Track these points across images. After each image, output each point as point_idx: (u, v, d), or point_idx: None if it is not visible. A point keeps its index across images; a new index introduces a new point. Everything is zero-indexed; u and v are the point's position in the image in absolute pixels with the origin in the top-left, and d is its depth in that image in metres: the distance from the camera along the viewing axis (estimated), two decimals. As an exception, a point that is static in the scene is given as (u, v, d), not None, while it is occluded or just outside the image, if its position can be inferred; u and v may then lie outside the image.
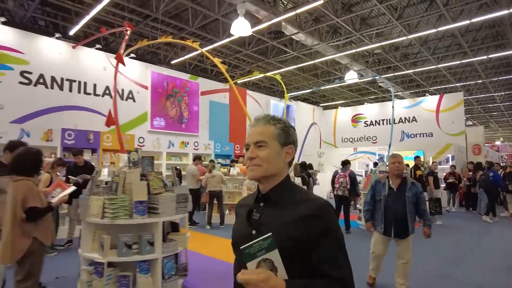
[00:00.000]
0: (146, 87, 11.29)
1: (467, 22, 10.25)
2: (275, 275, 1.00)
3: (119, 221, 3.58)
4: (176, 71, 12.90)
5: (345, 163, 8.18)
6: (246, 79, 15.68)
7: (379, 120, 18.12)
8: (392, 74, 16.29)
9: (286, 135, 1.25)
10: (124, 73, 10.63)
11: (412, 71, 15.83)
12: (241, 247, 1.02)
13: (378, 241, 4.22)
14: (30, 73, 8.90)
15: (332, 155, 16.81)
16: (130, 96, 10.93)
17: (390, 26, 11.36)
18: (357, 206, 9.07)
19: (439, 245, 6.53)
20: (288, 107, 16.92)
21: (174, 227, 4.21)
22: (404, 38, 11.92)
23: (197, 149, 12.08)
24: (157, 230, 3.76)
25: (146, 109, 11.25)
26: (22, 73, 8.76)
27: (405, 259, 4.02)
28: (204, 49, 9.39)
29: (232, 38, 11.16)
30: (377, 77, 15.46)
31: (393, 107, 11.20)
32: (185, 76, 12.85)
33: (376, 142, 17.71)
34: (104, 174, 6.48)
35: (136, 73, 11.20)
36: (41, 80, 9.09)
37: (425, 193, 9.31)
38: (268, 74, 12.82)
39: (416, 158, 9.70)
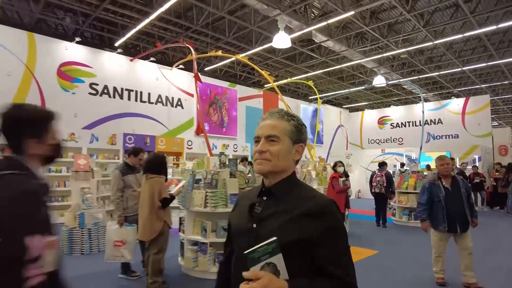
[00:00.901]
0: (192, 95, 12.36)
1: (493, 27, 10.47)
2: (277, 278, 1.00)
3: (219, 210, 4.55)
4: (215, 79, 13.93)
5: (382, 164, 8.99)
6: (281, 83, 16.56)
7: (405, 122, 18.66)
8: (416, 77, 16.78)
9: (299, 132, 1.22)
10: (174, 83, 11.73)
11: (437, 73, 16.25)
12: (244, 252, 1.02)
13: (441, 240, 4.38)
14: (97, 84, 10.11)
15: (360, 156, 17.47)
16: (179, 103, 12.03)
17: (417, 32, 11.85)
18: (392, 203, 9.80)
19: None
20: (316, 110, 17.72)
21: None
22: (430, 43, 12.39)
23: (236, 150, 13.07)
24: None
25: (192, 115, 12.33)
26: (91, 85, 9.97)
27: (470, 249, 4.26)
28: (237, 56, 10.29)
29: (264, 46, 11.98)
30: (404, 82, 16.03)
31: (423, 112, 11.87)
32: (225, 84, 13.87)
33: (403, 143, 18.27)
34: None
35: (184, 82, 12.30)
36: (105, 91, 10.28)
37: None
38: (304, 81, 13.60)
39: (447, 159, 10.33)
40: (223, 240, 2.89)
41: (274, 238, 1.01)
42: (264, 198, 1.20)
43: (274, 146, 1.16)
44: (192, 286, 4.37)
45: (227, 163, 4.98)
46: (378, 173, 8.84)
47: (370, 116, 20.43)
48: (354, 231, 7.76)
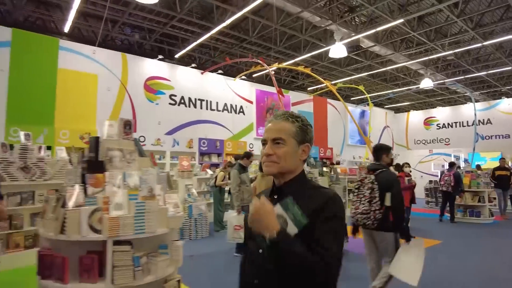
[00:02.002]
0: (251, 102, 13.60)
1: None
2: (275, 218, 1.11)
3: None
4: (263, 84, 15.04)
5: (452, 165, 9.73)
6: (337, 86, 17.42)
7: (452, 123, 18.88)
8: (462, 77, 16.79)
9: (304, 133, 1.26)
10: (236, 92, 13.03)
11: (484, 73, 16.17)
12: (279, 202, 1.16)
13: None
14: (175, 95, 11.59)
15: (407, 156, 17.94)
16: (241, 110, 13.30)
17: (464, 35, 12.04)
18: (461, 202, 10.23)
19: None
20: (363, 112, 18.41)
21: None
22: (479, 45, 12.45)
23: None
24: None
25: (252, 121, 13.57)
26: (170, 96, 11.46)
27: None
28: (285, 64, 11.18)
29: (313, 53, 12.75)
30: (450, 83, 16.33)
31: (475, 114, 12.30)
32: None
33: (449, 144, 18.51)
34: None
35: (245, 91, 13.57)
36: (182, 101, 11.74)
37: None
38: (355, 86, 14.37)
39: (501, 159, 10.82)
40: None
41: (291, 197, 1.15)
42: (275, 196, 1.27)
43: (280, 148, 1.22)
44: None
45: (314, 163, 6.05)
46: (447, 173, 9.57)
47: (416, 117, 20.77)
48: (417, 226, 8.51)
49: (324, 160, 13.94)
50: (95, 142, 3.22)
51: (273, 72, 8.30)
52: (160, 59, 11.53)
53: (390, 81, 18.35)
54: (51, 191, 4.71)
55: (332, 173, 6.12)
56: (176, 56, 12.91)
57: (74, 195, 2.89)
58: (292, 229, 1.12)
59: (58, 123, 9.25)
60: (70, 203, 2.85)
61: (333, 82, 15.48)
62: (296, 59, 13.62)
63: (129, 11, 9.71)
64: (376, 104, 21.77)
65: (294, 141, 1.24)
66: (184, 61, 13.15)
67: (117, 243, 2.76)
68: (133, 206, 2.90)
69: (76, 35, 11.07)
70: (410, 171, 8.38)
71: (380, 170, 3.55)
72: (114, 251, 2.74)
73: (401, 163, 8.89)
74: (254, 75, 15.26)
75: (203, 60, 14.59)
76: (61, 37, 10.13)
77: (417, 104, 23.28)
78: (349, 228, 4.32)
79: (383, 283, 3.46)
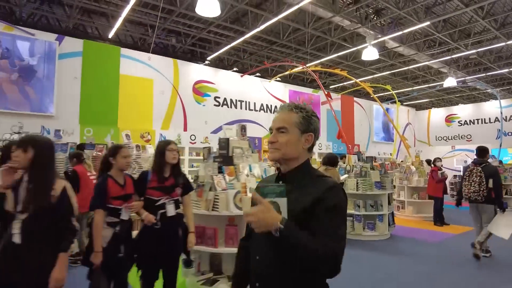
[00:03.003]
0: (284, 102, 14.50)
1: None
2: (274, 211, 1.15)
3: (368, 192, 6.55)
4: (301, 86, 15.94)
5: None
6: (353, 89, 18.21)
7: (474, 120, 19.46)
8: (484, 74, 17.16)
9: (307, 123, 1.32)
10: (271, 92, 13.95)
11: (506, 70, 16.60)
12: (258, 184, 1.26)
13: None
14: (219, 97, 12.59)
15: (429, 152, 18.62)
16: (276, 109, 14.23)
17: (488, 34, 12.43)
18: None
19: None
20: (387, 109, 19.14)
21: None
22: (503, 44, 12.87)
23: (321, 149, 15.01)
24: (385, 198, 6.67)
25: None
26: (215, 98, 12.47)
27: None
28: (312, 64, 11.85)
29: (339, 54, 13.42)
30: (471, 80, 16.90)
31: (501, 112, 12.92)
32: (309, 90, 15.88)
33: (471, 140, 19.12)
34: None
35: (279, 91, 14.50)
36: (225, 102, 12.74)
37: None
38: (382, 85, 15.11)
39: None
40: (371, 213, 5.32)
41: (283, 184, 1.21)
42: (280, 182, 1.32)
43: (282, 136, 1.29)
44: (351, 244, 6.38)
45: (366, 160, 6.96)
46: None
47: (437, 114, 21.38)
48: (451, 216, 9.24)
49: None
50: (227, 142, 4.21)
51: (317, 76, 9.14)
52: (205, 64, 12.48)
53: (410, 79, 18.90)
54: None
55: (381, 168, 6.99)
56: (208, 58, 13.79)
57: (221, 182, 3.88)
58: (285, 216, 1.16)
59: (120, 123, 10.34)
60: (218, 188, 3.84)
61: (360, 79, 16.05)
62: (322, 60, 14.29)
63: (171, 18, 10.34)
64: (395, 102, 22.35)
65: (297, 130, 1.30)
66: (214, 63, 13.99)
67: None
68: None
69: (115, 40, 11.61)
70: (442, 165, 9.17)
71: (484, 164, 5.36)
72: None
73: (431, 159, 9.69)
74: (278, 76, 15.97)
75: (231, 62, 15.30)
76: (104, 42, 11.00)
77: (436, 101, 23.79)
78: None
79: (484, 239, 5.21)
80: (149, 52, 11.23)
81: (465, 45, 13.47)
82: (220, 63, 14.01)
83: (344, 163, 12.42)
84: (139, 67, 10.95)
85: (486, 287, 4.29)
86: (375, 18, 11.82)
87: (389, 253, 5.82)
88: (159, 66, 11.32)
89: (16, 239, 2.00)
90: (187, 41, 12.69)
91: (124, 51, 10.82)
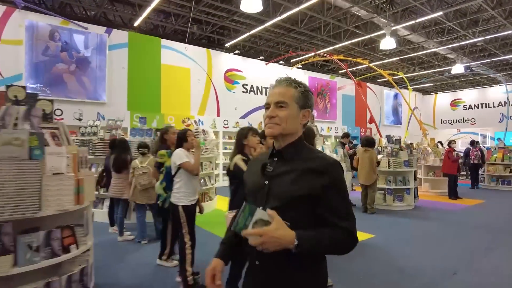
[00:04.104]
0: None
1: None
2: (285, 225, 1.09)
3: (399, 169, 7.69)
4: (319, 73, 16.85)
5: (473, 143, 11.74)
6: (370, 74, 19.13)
7: (478, 104, 20.54)
8: (489, 60, 17.93)
9: (305, 98, 1.29)
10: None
11: (511, 56, 17.43)
12: (231, 228, 1.14)
13: None
14: (247, 85, 13.56)
15: (435, 135, 19.76)
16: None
17: (497, 24, 13.12)
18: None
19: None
20: (396, 94, 20.16)
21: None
22: (510, 32, 13.51)
23: (337, 132, 16.10)
24: (411, 174, 7.82)
25: (307, 104, 15.48)
26: (243, 85, 13.44)
27: None
28: (325, 50, 12.53)
29: (350, 41, 14.19)
30: (476, 66, 17.80)
31: (507, 97, 13.92)
32: (326, 77, 16.84)
33: (475, 123, 20.26)
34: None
35: (299, 78, 15.30)
36: (252, 89, 13.72)
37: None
38: (396, 72, 16.03)
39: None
40: (400, 187, 6.57)
41: (244, 203, 1.13)
42: (275, 159, 1.31)
43: (282, 111, 1.24)
44: (385, 213, 7.55)
45: (394, 142, 8.07)
46: (473, 149, 11.54)
47: (443, 98, 22.43)
48: (460, 191, 10.47)
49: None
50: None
51: (346, 66, 10.08)
52: (235, 54, 13.36)
53: (417, 64, 19.75)
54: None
55: (407, 149, 8.10)
56: (226, 45, 14.32)
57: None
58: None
59: (163, 109, 11.35)
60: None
61: (373, 62, 16.88)
62: (336, 46, 14.89)
63: (198, 7, 10.83)
64: (403, 87, 23.33)
65: (296, 105, 1.26)
66: (230, 50, 14.46)
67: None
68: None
69: (142, 29, 12.08)
70: (455, 147, 10.31)
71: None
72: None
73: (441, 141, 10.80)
74: (292, 61, 16.34)
75: (247, 48, 15.61)
76: (129, 30, 11.48)
77: (439, 85, 24.71)
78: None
79: None
80: (184, 42, 12.10)
81: (473, 33, 14.15)
82: (234, 49, 14.59)
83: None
84: (178, 57, 11.86)
85: (506, 244, 5.46)
86: (389, 8, 12.47)
87: (417, 219, 7.00)
88: (195, 55, 12.24)
89: None
90: (207, 28, 13.48)
91: (164, 42, 11.70)
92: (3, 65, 8.83)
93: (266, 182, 1.27)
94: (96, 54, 10.31)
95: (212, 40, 14.66)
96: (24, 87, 3.04)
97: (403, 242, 5.34)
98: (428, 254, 4.67)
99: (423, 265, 4.19)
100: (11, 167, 2.50)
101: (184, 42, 11.92)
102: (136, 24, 11.60)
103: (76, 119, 9.75)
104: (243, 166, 3.00)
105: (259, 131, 3.37)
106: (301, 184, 1.20)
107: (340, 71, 18.75)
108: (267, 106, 1.29)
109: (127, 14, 11.59)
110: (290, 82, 1.29)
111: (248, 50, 15.85)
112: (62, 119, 9.34)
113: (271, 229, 1.06)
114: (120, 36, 10.80)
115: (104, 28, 10.58)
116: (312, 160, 1.24)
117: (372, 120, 9.08)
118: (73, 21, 10.02)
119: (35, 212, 2.60)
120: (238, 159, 3.12)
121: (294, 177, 1.22)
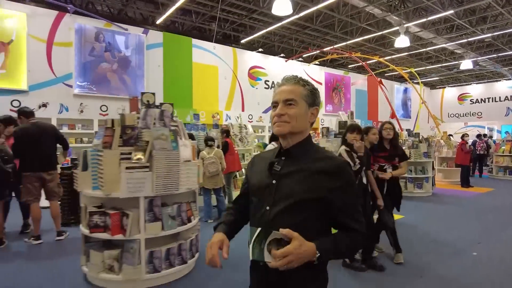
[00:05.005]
0: (321, 83, 16.30)
1: None
2: (304, 240, 1.08)
3: (418, 160, 8.57)
4: (334, 69, 17.61)
5: (480, 136, 12.61)
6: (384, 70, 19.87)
7: (485, 98, 21.31)
8: (495, 55, 18.41)
9: (314, 96, 1.28)
10: (310, 75, 15.71)
11: None
12: (251, 259, 1.15)
13: None
14: (268, 81, 14.38)
15: (443, 128, 20.55)
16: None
17: (506, 21, 13.61)
18: (488, 164, 13.31)
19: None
20: (406, 89, 20.94)
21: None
22: None
23: (351, 125, 16.94)
24: (429, 164, 8.70)
25: (321, 99, 16.31)
26: (265, 82, 14.26)
27: None
28: (337, 46, 13.17)
29: (362, 38, 14.77)
30: (483, 61, 18.48)
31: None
32: (340, 72, 17.63)
33: (481, 117, 21.05)
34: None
35: (316, 74, 16.26)
36: (273, 85, 14.51)
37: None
38: (407, 67, 16.77)
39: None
40: (420, 176, 7.58)
41: (258, 229, 1.10)
42: (283, 158, 1.28)
43: (291, 109, 1.22)
44: (406, 199, 8.42)
45: (410, 134, 8.94)
46: (479, 141, 12.45)
47: (450, 93, 23.19)
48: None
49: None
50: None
51: (366, 64, 10.87)
52: (258, 52, 14.16)
53: (425, 59, 20.38)
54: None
55: (426, 141, 8.97)
56: (243, 41, 14.71)
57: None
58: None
59: (195, 105, 12.20)
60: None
61: (383, 57, 17.66)
62: (348, 42, 15.35)
63: (221, 6, 11.16)
64: (415, 82, 24.06)
65: (305, 103, 1.25)
66: (245, 46, 14.85)
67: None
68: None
69: (162, 26, 12.31)
70: (468, 140, 11.18)
71: None
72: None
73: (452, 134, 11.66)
74: (304, 55, 16.64)
75: (261, 44, 15.83)
76: (151, 28, 11.87)
77: (445, 79, 25.37)
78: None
79: None
80: (212, 41, 12.91)
81: (481, 30, 14.71)
82: (251, 46, 15.04)
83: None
84: (207, 56, 12.69)
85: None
86: (402, 7, 13.04)
87: (437, 203, 7.90)
88: (222, 54, 13.06)
89: None
90: (225, 25, 14.08)
91: (195, 41, 12.50)
92: (56, 66, 9.68)
93: (274, 181, 1.25)
94: (135, 53, 11.14)
95: (228, 36, 14.92)
96: (153, 94, 3.91)
97: (429, 221, 6.25)
98: (453, 229, 5.58)
99: (452, 237, 5.10)
100: (163, 156, 3.38)
101: (199, 39, 12.54)
102: (158, 21, 11.87)
103: (119, 114, 10.60)
104: (346, 158, 3.56)
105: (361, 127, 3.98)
106: (311, 185, 1.19)
107: (349, 66, 19.46)
108: (274, 104, 1.27)
109: (146, 11, 11.77)
110: (298, 80, 1.27)
111: (262, 46, 16.08)
112: (107, 114, 10.23)
113: (295, 247, 1.06)
114: (155, 36, 11.61)
115: (142, 29, 11.38)
116: (322, 161, 1.23)
117: (393, 115, 9.90)
118: (115, 23, 10.83)
119: (176, 190, 3.49)
120: (342, 150, 3.84)
121: (303, 177, 1.21)
